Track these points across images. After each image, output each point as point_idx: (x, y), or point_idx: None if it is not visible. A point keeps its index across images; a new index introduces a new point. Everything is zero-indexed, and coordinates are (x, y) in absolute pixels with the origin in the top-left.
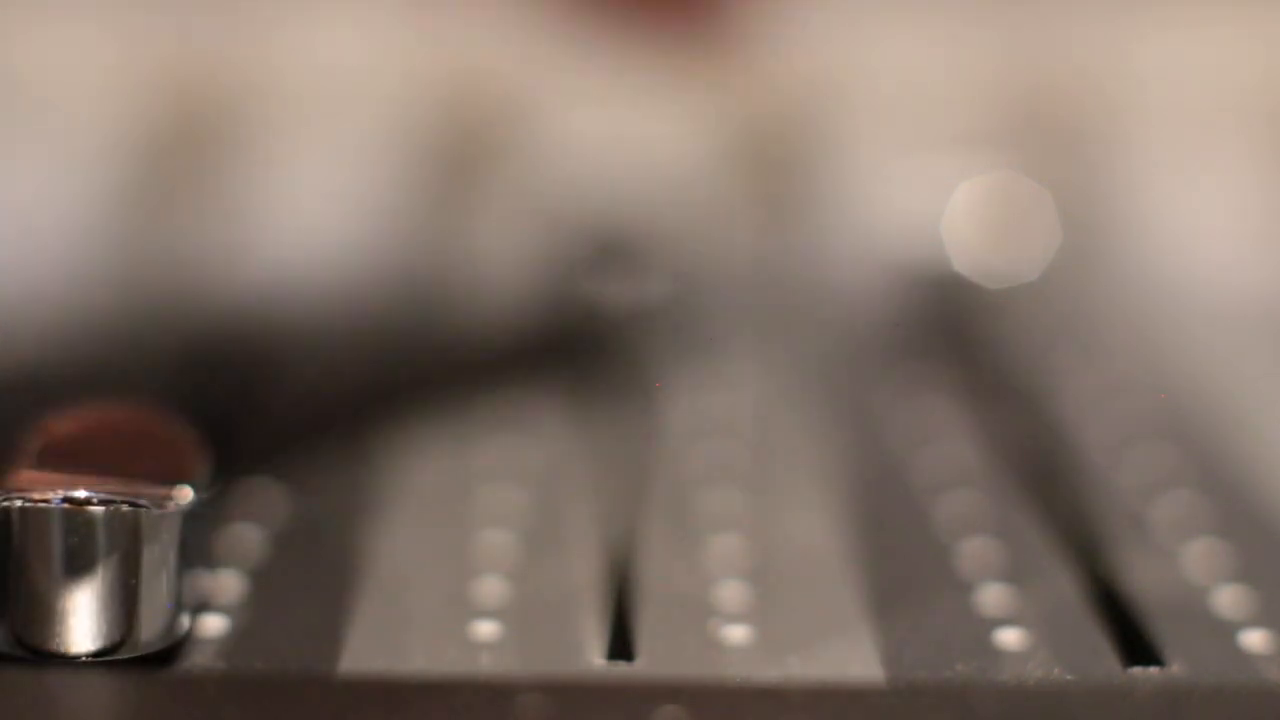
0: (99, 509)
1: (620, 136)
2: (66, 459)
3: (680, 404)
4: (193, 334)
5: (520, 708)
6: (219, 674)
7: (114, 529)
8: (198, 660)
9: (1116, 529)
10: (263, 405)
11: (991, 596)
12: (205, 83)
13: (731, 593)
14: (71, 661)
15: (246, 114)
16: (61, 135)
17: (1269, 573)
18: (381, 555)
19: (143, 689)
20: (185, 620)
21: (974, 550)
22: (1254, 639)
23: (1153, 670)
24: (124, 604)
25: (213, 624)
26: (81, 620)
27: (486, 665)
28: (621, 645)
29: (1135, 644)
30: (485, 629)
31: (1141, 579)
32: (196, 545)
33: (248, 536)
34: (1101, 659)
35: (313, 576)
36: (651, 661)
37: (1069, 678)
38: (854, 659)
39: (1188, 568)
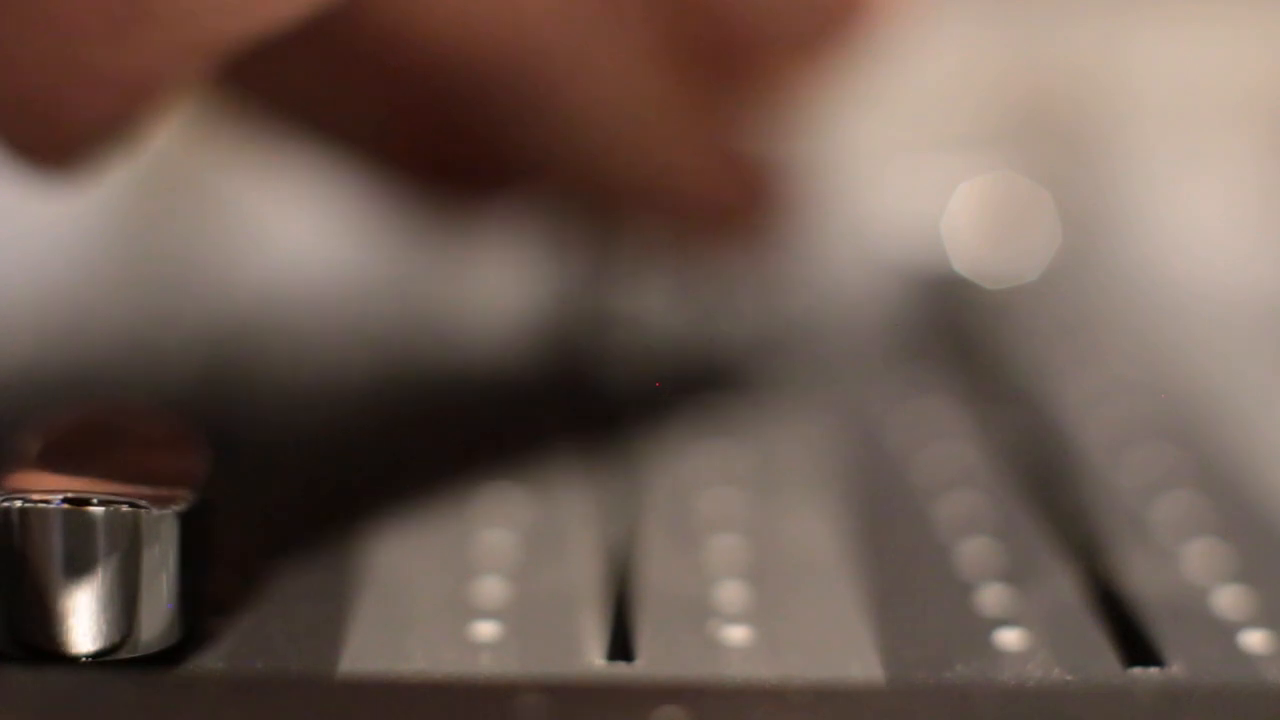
0: (99, 509)
1: None
2: (66, 459)
3: (681, 404)
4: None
5: (520, 708)
6: (219, 674)
7: (114, 529)
8: (198, 660)
9: (1116, 529)
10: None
11: (991, 596)
12: None
13: (731, 593)
14: (71, 661)
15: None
16: None
17: (1269, 573)
18: (382, 555)
19: (143, 689)
20: (185, 621)
21: (974, 550)
22: (1254, 639)
23: (1153, 670)
24: (124, 604)
25: (213, 624)
26: (81, 620)
27: (486, 665)
28: (621, 645)
29: (1135, 644)
30: (485, 629)
31: (1141, 579)
32: (197, 545)
33: (248, 536)
34: (1101, 659)
35: (313, 576)
36: (651, 661)
37: (1069, 678)
38: (854, 659)
39: (1188, 568)
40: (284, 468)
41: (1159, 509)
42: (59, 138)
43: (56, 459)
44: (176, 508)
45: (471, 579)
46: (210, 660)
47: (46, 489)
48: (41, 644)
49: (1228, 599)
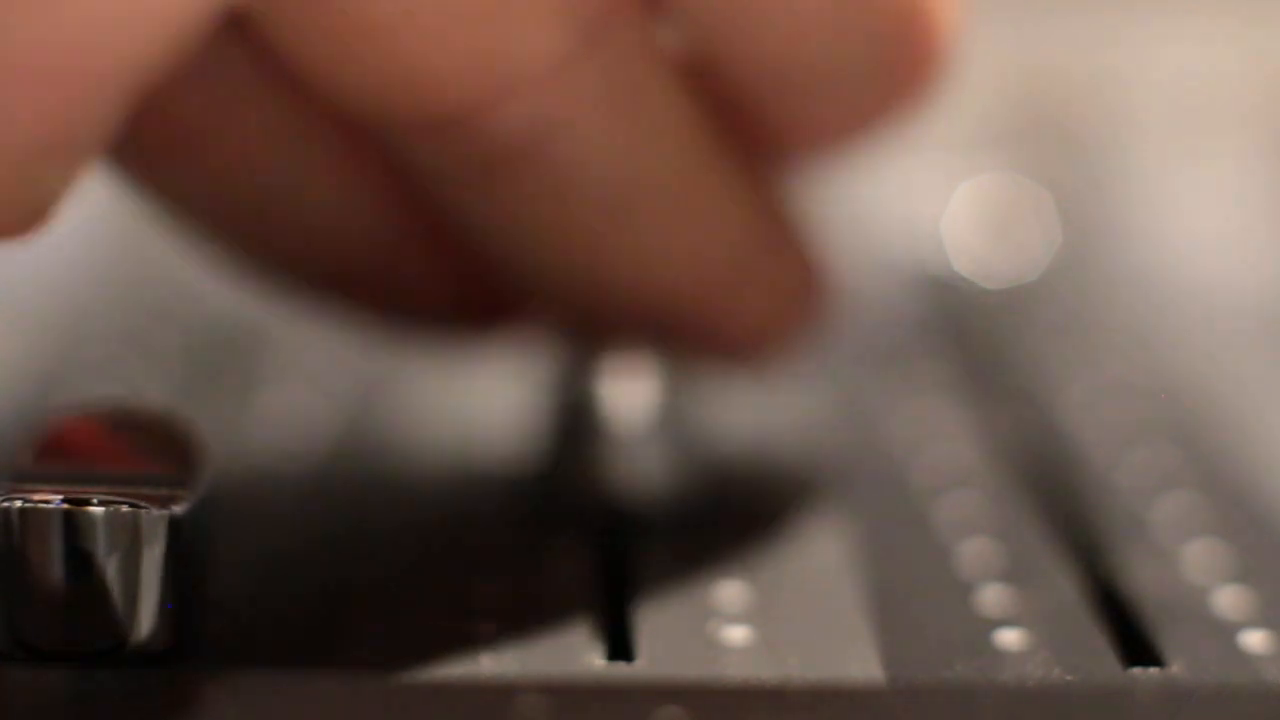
0: (99, 509)
1: None
2: (66, 459)
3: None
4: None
5: (520, 708)
6: (218, 674)
7: (114, 529)
8: (197, 661)
9: (1116, 529)
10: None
11: (991, 596)
12: None
13: (731, 593)
14: (71, 661)
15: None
16: None
17: (1269, 573)
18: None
19: (143, 689)
20: (185, 620)
21: (974, 550)
22: (1254, 639)
23: (1153, 670)
24: (124, 604)
25: (213, 624)
26: (81, 620)
27: (486, 665)
28: (621, 645)
29: (1135, 644)
30: (485, 629)
31: (1141, 579)
32: (196, 545)
33: (247, 536)
34: (1101, 659)
35: (313, 575)
36: (651, 661)
37: (1069, 678)
38: (854, 659)
39: (1188, 568)
40: (284, 469)
41: (1159, 509)
42: None
43: (56, 459)
44: (176, 508)
45: (472, 579)
46: (210, 661)
47: (46, 489)
48: (41, 644)
49: (1228, 599)
